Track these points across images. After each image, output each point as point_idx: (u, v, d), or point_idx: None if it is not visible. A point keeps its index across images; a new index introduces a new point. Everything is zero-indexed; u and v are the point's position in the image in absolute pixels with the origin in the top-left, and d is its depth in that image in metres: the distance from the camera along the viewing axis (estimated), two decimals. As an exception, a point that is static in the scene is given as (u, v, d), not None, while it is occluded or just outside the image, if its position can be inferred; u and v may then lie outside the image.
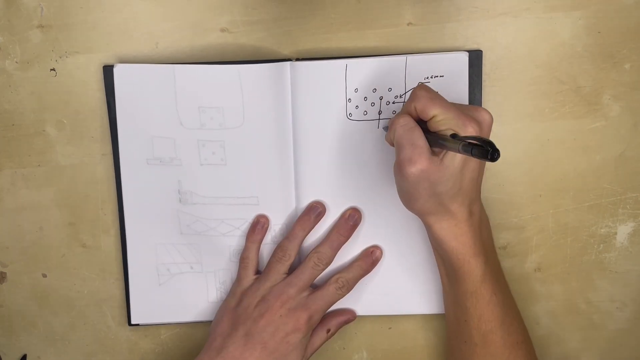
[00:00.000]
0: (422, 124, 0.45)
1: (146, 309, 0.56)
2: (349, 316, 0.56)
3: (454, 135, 0.43)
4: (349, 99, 0.52)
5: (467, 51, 0.52)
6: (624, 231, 0.56)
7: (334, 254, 0.53)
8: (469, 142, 0.38)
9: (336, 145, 0.53)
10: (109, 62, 0.53)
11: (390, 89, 0.52)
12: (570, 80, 0.54)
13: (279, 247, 0.53)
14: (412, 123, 0.45)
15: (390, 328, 0.58)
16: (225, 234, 0.55)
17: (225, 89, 0.52)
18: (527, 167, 0.55)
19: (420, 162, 0.43)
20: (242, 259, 0.54)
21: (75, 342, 0.58)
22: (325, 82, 0.52)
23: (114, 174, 0.55)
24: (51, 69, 0.54)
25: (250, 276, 0.53)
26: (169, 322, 0.57)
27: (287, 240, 0.53)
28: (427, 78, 0.52)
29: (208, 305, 0.56)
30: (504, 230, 0.56)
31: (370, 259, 0.55)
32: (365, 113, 0.52)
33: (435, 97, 0.45)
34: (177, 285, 0.56)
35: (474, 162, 0.45)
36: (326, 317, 0.55)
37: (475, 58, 0.52)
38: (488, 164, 0.52)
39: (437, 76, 0.52)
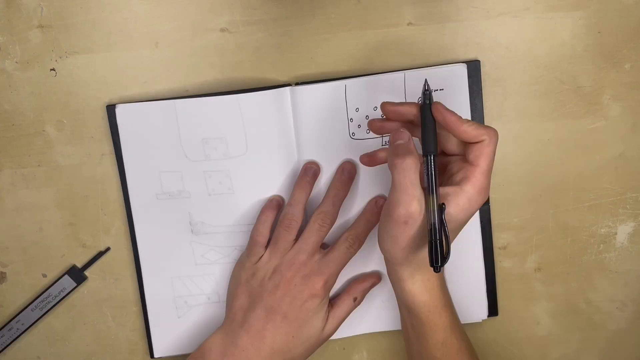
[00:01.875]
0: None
1: (167, 341, 0.57)
2: (374, 280, 0.55)
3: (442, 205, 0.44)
4: (351, 118, 0.52)
5: (465, 62, 0.52)
6: (624, 231, 0.56)
7: (337, 210, 0.53)
8: (443, 222, 0.42)
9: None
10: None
11: None
12: (570, 80, 0.54)
13: (284, 215, 0.52)
14: (419, 166, 0.44)
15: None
16: None
17: (227, 119, 0.52)
18: (527, 167, 0.55)
19: (412, 206, 0.43)
20: (255, 232, 0.53)
21: (75, 342, 0.58)
22: (326, 104, 0.52)
23: (123, 205, 0.55)
24: (51, 69, 0.54)
25: (260, 249, 0.53)
26: (190, 352, 0.57)
27: (290, 206, 0.52)
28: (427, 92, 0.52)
29: None
30: (504, 230, 0.56)
31: (375, 208, 0.54)
32: (368, 131, 0.52)
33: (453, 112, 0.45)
34: (196, 317, 0.56)
35: (463, 216, 0.45)
36: (352, 285, 0.55)
37: (474, 68, 0.52)
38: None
39: (436, 89, 0.52)
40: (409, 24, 0.53)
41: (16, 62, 0.53)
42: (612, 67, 0.53)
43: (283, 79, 0.54)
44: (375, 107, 0.52)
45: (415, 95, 0.52)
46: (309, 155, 0.53)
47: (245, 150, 0.53)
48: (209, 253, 0.55)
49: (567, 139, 0.54)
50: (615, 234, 0.56)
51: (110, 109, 0.53)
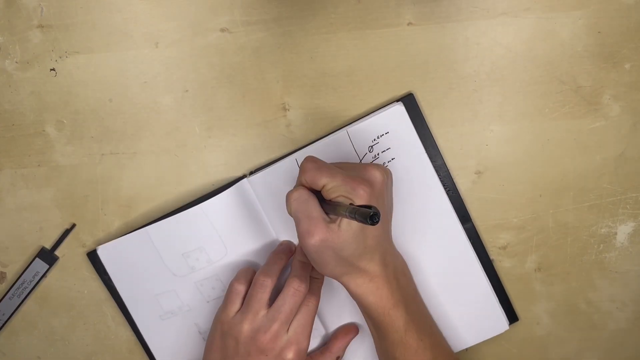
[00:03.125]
0: (317, 193, 0.46)
1: None
2: (354, 333, 0.56)
3: (335, 204, 0.44)
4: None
5: (400, 99, 0.53)
6: (624, 231, 0.56)
7: (307, 274, 0.52)
8: (353, 208, 0.40)
9: None
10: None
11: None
12: (570, 80, 0.54)
13: (258, 276, 0.52)
14: (305, 195, 0.46)
15: (390, 328, 0.58)
16: None
17: (198, 229, 0.54)
18: (527, 167, 0.55)
19: (317, 232, 0.44)
20: (232, 287, 0.52)
21: (75, 342, 0.58)
22: (284, 182, 0.53)
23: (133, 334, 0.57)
24: (51, 69, 0.54)
25: (236, 306, 0.52)
26: None
27: (267, 266, 0.52)
28: (375, 139, 0.53)
29: None
30: (504, 230, 0.56)
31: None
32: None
33: (322, 166, 0.46)
34: None
35: (354, 226, 0.45)
36: (332, 342, 0.55)
37: (409, 102, 0.53)
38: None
39: (383, 134, 0.53)
40: (409, 24, 0.53)
41: (16, 62, 0.53)
42: (612, 67, 0.53)
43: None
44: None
45: (365, 146, 0.53)
46: (286, 231, 0.54)
47: (225, 251, 0.55)
48: None
49: (567, 139, 0.54)
50: (615, 234, 0.56)
51: (92, 255, 0.55)
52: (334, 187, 0.45)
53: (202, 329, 0.56)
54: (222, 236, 0.54)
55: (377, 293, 0.48)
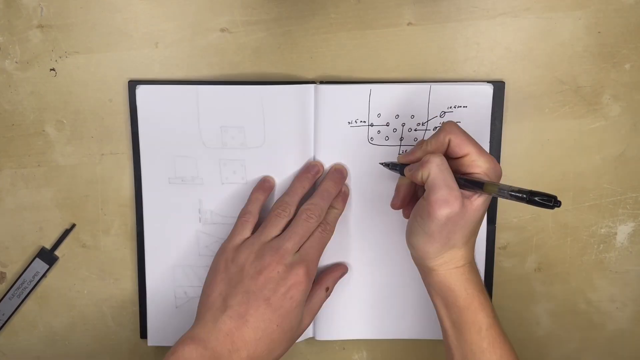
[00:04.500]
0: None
1: (163, 330, 0.57)
2: (343, 270, 0.55)
3: (476, 182, 0.43)
4: (371, 123, 0.52)
5: (492, 82, 0.52)
6: (624, 231, 0.56)
7: (326, 204, 0.52)
8: (533, 190, 0.40)
9: (357, 168, 0.53)
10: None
11: (412, 116, 0.52)
12: (570, 80, 0.54)
13: (279, 203, 0.52)
14: (446, 163, 0.44)
15: (390, 328, 0.58)
16: None
17: (247, 110, 0.52)
18: (527, 167, 0.55)
19: (455, 204, 0.43)
20: (244, 212, 0.52)
21: (75, 342, 0.58)
22: (348, 106, 0.52)
23: (133, 193, 0.55)
24: (51, 69, 0.54)
25: (247, 231, 0.51)
26: None
27: (287, 195, 0.52)
28: (451, 108, 0.52)
29: None
30: (504, 230, 0.56)
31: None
32: (386, 138, 0.53)
33: (469, 136, 0.45)
34: (194, 308, 0.56)
35: (485, 207, 0.45)
36: (322, 276, 0.54)
37: (498, 90, 0.52)
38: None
39: (460, 106, 0.52)
40: (409, 24, 0.53)
41: (16, 62, 0.53)
42: (612, 67, 0.53)
43: (308, 76, 0.54)
44: (397, 114, 0.52)
45: (438, 109, 0.52)
46: (325, 154, 0.53)
47: (262, 142, 0.53)
48: (214, 244, 0.55)
49: (567, 139, 0.54)
50: (615, 234, 0.56)
51: (132, 85, 0.53)
52: (477, 161, 0.44)
53: (203, 209, 0.54)
54: (267, 126, 0.53)
55: (469, 277, 0.47)
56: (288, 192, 0.52)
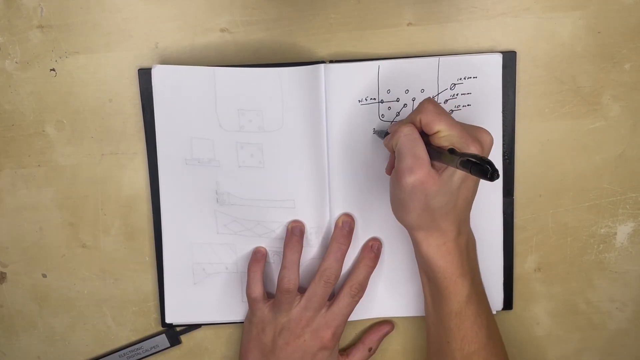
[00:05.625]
0: (424, 137, 0.45)
1: (180, 308, 0.56)
2: (389, 328, 0.57)
3: (453, 151, 0.42)
4: (382, 100, 0.52)
5: (501, 52, 0.52)
6: (624, 231, 0.56)
7: (340, 265, 0.53)
8: (468, 160, 0.39)
9: (368, 146, 0.53)
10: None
11: (422, 90, 0.52)
12: (570, 80, 0.54)
13: (281, 280, 0.52)
14: (415, 134, 0.45)
15: (390, 328, 0.58)
16: (261, 235, 0.55)
17: (266, 92, 0.52)
18: (527, 167, 0.55)
19: (419, 172, 0.43)
20: (249, 290, 0.54)
21: (75, 342, 0.58)
22: (357, 84, 0.52)
23: (147, 174, 0.54)
24: (51, 69, 0.54)
25: (261, 306, 0.54)
26: (203, 322, 0.57)
27: (285, 269, 0.53)
28: (460, 79, 0.52)
29: (242, 306, 0.57)
30: (504, 230, 0.56)
31: (372, 253, 0.54)
32: (397, 114, 0.53)
33: (442, 112, 0.45)
34: (212, 285, 0.56)
35: (470, 181, 0.45)
36: (367, 335, 0.57)
37: (509, 59, 0.52)
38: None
39: (470, 77, 0.52)
40: (409, 24, 0.53)
41: (16, 62, 0.53)
42: (612, 67, 0.53)
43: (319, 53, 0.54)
44: (407, 89, 0.52)
45: (448, 82, 0.52)
46: (338, 135, 0.53)
47: (280, 125, 0.53)
48: (232, 224, 0.55)
49: (567, 139, 0.55)
50: (615, 234, 0.56)
51: (143, 72, 0.52)
52: (448, 135, 0.44)
53: (220, 191, 0.54)
54: (285, 109, 0.52)
55: (448, 258, 0.47)
56: (284, 264, 0.53)
